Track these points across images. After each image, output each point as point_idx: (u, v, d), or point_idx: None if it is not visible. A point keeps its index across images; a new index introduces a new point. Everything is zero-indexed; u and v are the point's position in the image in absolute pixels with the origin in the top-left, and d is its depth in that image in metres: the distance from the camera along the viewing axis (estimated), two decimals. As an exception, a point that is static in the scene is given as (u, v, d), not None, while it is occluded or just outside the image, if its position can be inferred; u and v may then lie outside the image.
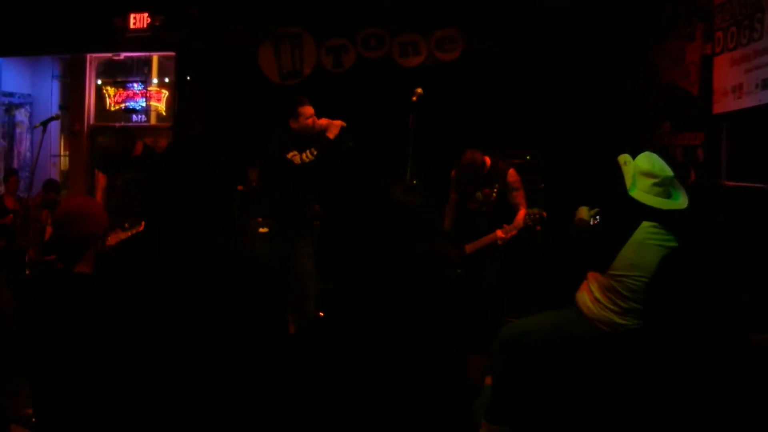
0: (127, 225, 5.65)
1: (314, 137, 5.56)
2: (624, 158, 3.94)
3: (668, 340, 2.30)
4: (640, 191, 3.80)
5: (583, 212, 4.25)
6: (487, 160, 5.71)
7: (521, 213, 5.53)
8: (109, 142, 6.22)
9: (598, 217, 4.23)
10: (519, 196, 5.64)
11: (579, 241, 4.21)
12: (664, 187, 3.84)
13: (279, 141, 5.60)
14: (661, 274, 2.44)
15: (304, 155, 5.42)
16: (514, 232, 5.46)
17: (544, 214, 5.34)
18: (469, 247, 5.65)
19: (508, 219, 5.55)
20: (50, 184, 9.23)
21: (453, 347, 2.08)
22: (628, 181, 3.84)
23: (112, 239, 5.66)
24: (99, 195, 6.20)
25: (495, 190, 5.64)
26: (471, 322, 2.22)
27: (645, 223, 3.77)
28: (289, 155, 5.42)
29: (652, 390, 2.26)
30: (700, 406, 2.16)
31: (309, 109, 5.59)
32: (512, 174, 5.69)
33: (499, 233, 5.46)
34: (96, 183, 6.32)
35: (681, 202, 3.86)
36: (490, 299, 5.42)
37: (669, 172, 3.85)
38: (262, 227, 6.82)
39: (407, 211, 2.06)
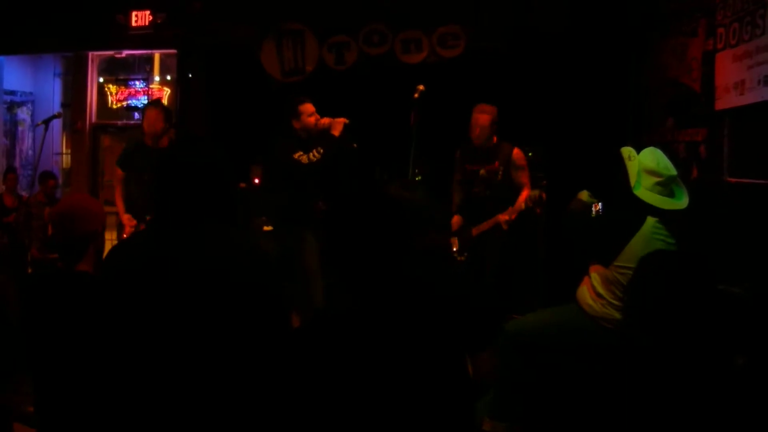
0: (149, 218, 5.75)
1: (318, 136, 5.61)
2: (628, 152, 3.94)
3: (647, 338, 2.30)
4: (644, 189, 3.81)
5: (584, 195, 4.22)
6: (495, 136, 5.67)
7: (523, 194, 5.46)
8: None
9: (600, 204, 4.22)
10: (523, 176, 5.55)
11: (577, 227, 4.20)
12: (668, 185, 3.85)
13: (284, 142, 5.65)
14: (640, 274, 2.45)
15: (311, 155, 5.49)
16: (515, 215, 5.39)
17: (544, 195, 5.29)
18: (475, 230, 5.61)
19: (512, 202, 5.49)
20: (45, 175, 9.20)
21: (453, 343, 2.07)
22: (633, 178, 3.84)
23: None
24: (118, 187, 6.30)
25: (500, 170, 5.56)
26: (475, 319, 2.22)
27: (650, 219, 3.79)
28: (296, 155, 5.48)
29: (642, 386, 2.26)
30: (691, 405, 2.16)
31: (309, 107, 5.64)
32: (517, 152, 5.61)
33: (502, 217, 5.40)
34: (110, 180, 6.41)
35: (683, 201, 3.87)
36: (492, 295, 5.39)
37: (673, 170, 3.85)
38: (267, 225, 6.86)
39: (407, 206, 2.06)
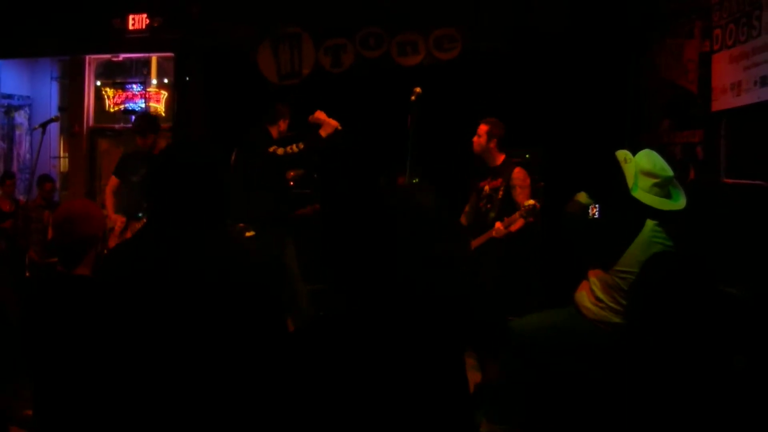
0: (141, 215, 5.88)
1: (299, 134, 5.68)
2: (623, 155, 3.95)
3: (649, 340, 2.31)
4: (642, 191, 3.81)
5: (582, 197, 4.21)
6: (502, 156, 5.66)
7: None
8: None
9: (597, 207, 4.21)
10: (522, 195, 5.48)
11: (575, 230, 4.21)
12: (665, 187, 3.86)
13: (257, 138, 5.71)
14: (643, 277, 2.46)
15: (288, 148, 5.53)
16: (512, 228, 5.34)
17: (538, 205, 5.25)
18: (474, 243, 5.58)
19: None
20: (43, 178, 9.20)
21: (453, 348, 2.08)
22: (630, 180, 3.84)
23: (128, 233, 5.94)
24: (109, 191, 6.53)
25: (501, 188, 5.54)
26: (482, 324, 2.23)
27: (649, 222, 3.79)
28: (271, 149, 5.53)
29: (643, 388, 2.27)
30: (689, 406, 2.17)
31: (287, 117, 5.83)
32: (518, 172, 5.55)
33: (498, 225, 5.35)
34: (106, 184, 6.61)
35: (680, 202, 3.88)
36: (492, 301, 5.37)
37: (669, 171, 3.86)
38: (248, 231, 6.89)
39: (417, 210, 2.07)
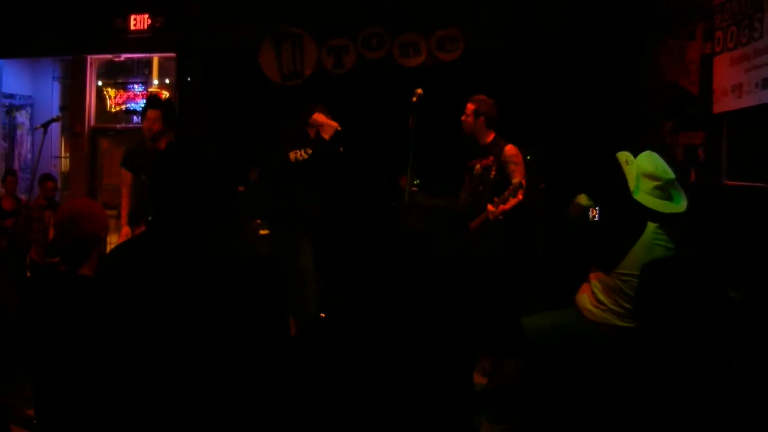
0: (150, 218, 5.76)
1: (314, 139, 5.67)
2: (625, 156, 3.94)
3: (652, 343, 2.31)
4: (644, 193, 3.81)
5: (583, 199, 4.21)
6: (492, 134, 5.63)
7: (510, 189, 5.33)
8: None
9: (597, 209, 4.21)
10: (516, 172, 5.43)
11: (576, 232, 4.20)
12: (666, 189, 3.85)
13: (289, 139, 5.70)
14: (645, 283, 2.45)
15: (297, 154, 5.53)
16: (504, 207, 5.28)
17: (523, 182, 5.20)
18: (472, 225, 5.52)
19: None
20: (45, 177, 9.19)
21: (463, 349, 2.08)
22: (631, 183, 3.84)
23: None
24: (125, 192, 6.32)
25: (493, 168, 5.48)
26: (498, 322, 2.22)
27: (651, 225, 3.79)
28: (290, 153, 5.55)
29: (643, 390, 2.27)
30: (689, 407, 2.17)
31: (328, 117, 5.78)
32: (510, 148, 5.51)
33: (489, 207, 5.30)
34: (122, 181, 6.42)
35: (681, 204, 3.87)
36: (508, 297, 5.35)
37: (671, 174, 3.86)
38: (263, 229, 6.86)
39: (434, 214, 2.07)
